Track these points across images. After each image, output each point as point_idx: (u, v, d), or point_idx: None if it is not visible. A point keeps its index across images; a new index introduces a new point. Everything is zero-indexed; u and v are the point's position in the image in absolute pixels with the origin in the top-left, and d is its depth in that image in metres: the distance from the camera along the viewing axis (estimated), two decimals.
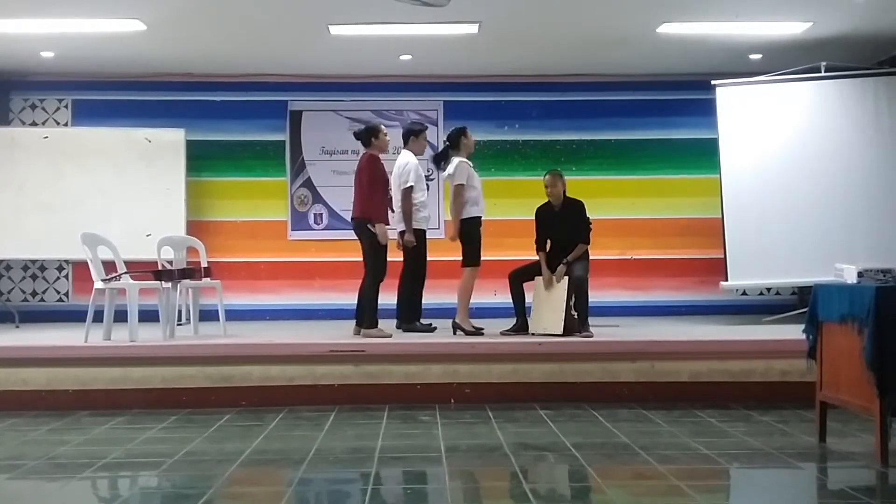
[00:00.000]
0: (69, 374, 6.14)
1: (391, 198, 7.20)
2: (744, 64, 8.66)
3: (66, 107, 9.32)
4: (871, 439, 4.52)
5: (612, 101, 9.45)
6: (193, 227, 8.88)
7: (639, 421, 5.53)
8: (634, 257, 9.37)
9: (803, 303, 7.51)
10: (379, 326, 6.77)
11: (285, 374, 6.20)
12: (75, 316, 7.94)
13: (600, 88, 9.41)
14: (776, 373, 6.13)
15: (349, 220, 7.35)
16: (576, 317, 6.71)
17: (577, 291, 6.70)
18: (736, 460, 4.57)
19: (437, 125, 9.18)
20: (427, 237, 7.33)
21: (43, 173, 8.79)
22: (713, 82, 8.30)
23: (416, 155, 7.30)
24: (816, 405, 4.90)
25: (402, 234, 7.17)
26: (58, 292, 9.26)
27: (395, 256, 7.23)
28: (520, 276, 7.01)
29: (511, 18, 7.44)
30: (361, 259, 6.95)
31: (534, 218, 7.09)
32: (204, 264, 7.37)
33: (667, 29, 7.71)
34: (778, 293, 9.40)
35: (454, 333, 6.95)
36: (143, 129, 8.99)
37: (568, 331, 6.64)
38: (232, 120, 9.31)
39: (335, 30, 7.66)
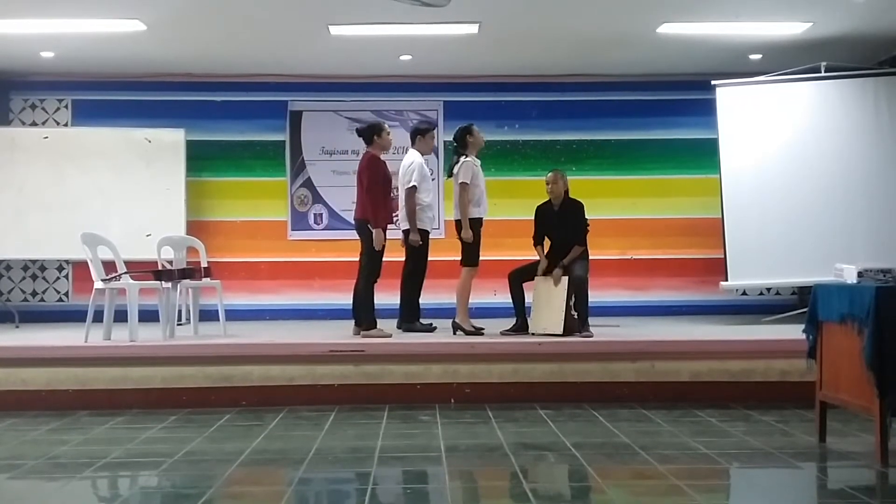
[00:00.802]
0: (69, 374, 6.14)
1: (396, 197, 7.20)
2: (744, 64, 8.66)
3: (66, 107, 9.32)
4: (870, 439, 4.52)
5: (612, 102, 9.45)
6: (193, 227, 8.88)
7: (639, 421, 5.53)
8: (634, 257, 9.37)
9: (803, 303, 7.51)
10: (378, 326, 6.77)
11: (285, 374, 6.20)
12: (75, 316, 7.94)
13: (600, 88, 9.40)
14: (776, 373, 6.14)
15: (350, 220, 7.36)
16: (576, 317, 6.71)
17: (577, 291, 6.70)
18: (736, 460, 4.57)
19: (437, 125, 9.17)
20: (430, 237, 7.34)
21: (43, 173, 8.79)
22: (713, 82, 8.30)
23: (423, 154, 7.30)
24: (816, 405, 4.90)
25: (405, 232, 7.18)
26: (58, 292, 9.26)
27: (395, 256, 7.24)
28: (520, 276, 7.01)
29: (511, 18, 7.44)
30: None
31: (533, 216, 7.09)
32: (204, 264, 7.37)
33: (667, 29, 7.71)
34: (778, 293, 9.40)
35: (454, 333, 6.95)
36: (143, 129, 8.99)
37: (568, 331, 6.64)
38: (232, 120, 9.31)
39: (335, 30, 7.66)
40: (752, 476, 4.40)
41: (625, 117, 9.43)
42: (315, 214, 9.36)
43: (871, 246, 7.73)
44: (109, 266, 6.85)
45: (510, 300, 7.02)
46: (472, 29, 7.64)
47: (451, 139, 7.57)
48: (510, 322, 7.02)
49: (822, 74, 8.12)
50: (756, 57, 8.57)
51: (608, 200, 9.07)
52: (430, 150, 7.47)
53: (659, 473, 4.23)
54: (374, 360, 6.24)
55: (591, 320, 6.77)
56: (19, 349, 6.45)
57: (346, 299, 7.26)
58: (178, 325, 7.43)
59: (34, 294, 9.25)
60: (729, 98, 8.26)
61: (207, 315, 7.62)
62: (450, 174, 7.11)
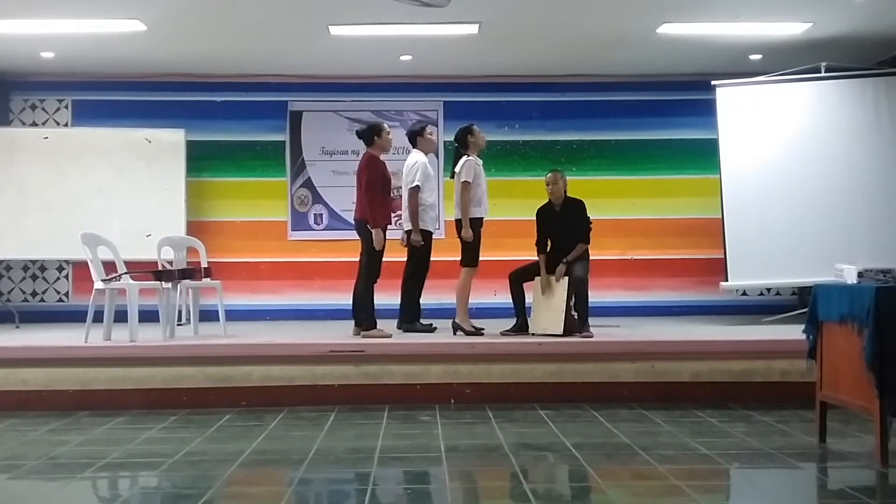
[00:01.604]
0: (69, 374, 6.14)
1: (398, 197, 7.21)
2: (744, 64, 8.66)
3: (66, 107, 9.32)
4: (871, 439, 4.52)
5: (612, 102, 9.45)
6: (193, 228, 8.89)
7: (639, 421, 5.53)
8: (634, 257, 9.37)
9: (803, 303, 7.51)
10: (378, 326, 6.77)
11: (285, 375, 6.20)
12: (75, 316, 7.94)
13: (600, 89, 9.41)
14: (776, 373, 6.14)
15: (350, 220, 7.36)
16: (576, 317, 6.71)
17: (578, 292, 6.70)
18: (736, 460, 4.57)
19: (437, 125, 9.17)
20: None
21: (43, 174, 8.79)
22: (713, 83, 8.30)
23: (426, 153, 7.29)
24: (816, 405, 4.90)
25: (407, 233, 7.18)
26: (58, 292, 9.26)
27: (396, 256, 7.25)
28: (520, 277, 7.01)
29: (511, 18, 7.44)
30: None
31: (534, 218, 7.09)
32: (204, 264, 7.37)
33: (667, 29, 7.71)
34: (778, 293, 9.40)
35: (454, 333, 6.95)
36: (144, 129, 8.99)
37: (568, 331, 6.64)
38: (232, 120, 9.31)
39: (335, 30, 7.66)
40: (752, 476, 4.40)
41: (625, 117, 9.43)
42: (315, 215, 9.36)
43: (871, 246, 7.74)
44: (109, 266, 6.85)
45: (510, 300, 7.02)
46: (472, 29, 7.64)
47: (451, 139, 7.57)
48: (510, 322, 7.02)
49: (822, 75, 8.12)
50: (756, 57, 8.57)
51: (608, 201, 9.07)
52: (432, 148, 7.44)
53: (659, 474, 4.23)
54: (374, 360, 6.25)
55: (591, 320, 6.77)
56: (19, 349, 6.45)
57: (346, 299, 7.27)
58: (179, 325, 7.43)
59: (34, 294, 9.25)
60: (729, 98, 8.26)
61: (207, 315, 7.63)
62: (452, 174, 7.10)
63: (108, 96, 9.24)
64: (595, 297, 7.19)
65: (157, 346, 6.45)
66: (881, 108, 8.04)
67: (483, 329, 7.01)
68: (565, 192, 7.01)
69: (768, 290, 9.35)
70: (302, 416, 5.78)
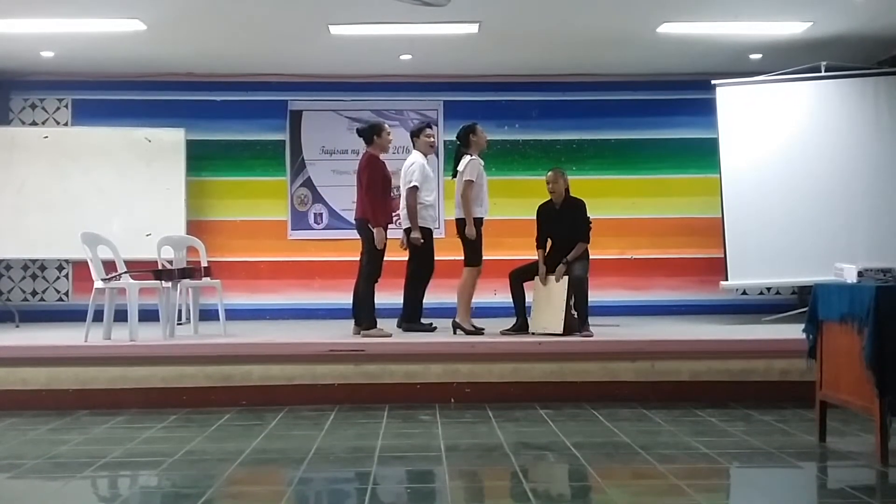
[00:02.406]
0: (69, 373, 6.14)
1: (398, 196, 7.21)
2: (744, 64, 8.66)
3: (66, 106, 9.32)
4: (871, 439, 4.52)
5: (612, 101, 9.45)
6: (193, 227, 8.89)
7: (639, 420, 5.53)
8: (634, 257, 9.37)
9: (803, 302, 7.51)
10: (378, 326, 6.77)
11: (285, 374, 6.20)
12: (75, 315, 7.94)
13: (600, 88, 9.40)
14: (776, 372, 6.14)
15: (350, 219, 7.36)
16: (576, 316, 6.71)
17: (577, 291, 6.70)
18: (736, 460, 4.57)
19: (437, 125, 9.17)
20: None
21: (43, 173, 8.79)
22: (713, 82, 8.30)
23: (424, 154, 7.29)
24: (816, 405, 4.90)
25: (407, 231, 7.18)
26: (58, 292, 9.26)
27: (397, 256, 7.24)
28: (520, 276, 7.01)
29: (511, 18, 7.44)
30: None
31: (535, 216, 7.10)
32: (204, 264, 7.37)
33: (667, 29, 7.71)
34: (778, 293, 9.40)
35: (454, 333, 6.95)
36: (144, 128, 8.98)
37: (568, 330, 6.64)
38: (232, 120, 9.31)
39: (335, 29, 7.66)
40: (752, 476, 4.40)
41: (625, 117, 9.43)
42: (315, 214, 9.36)
43: (871, 245, 7.74)
44: (109, 266, 6.86)
45: (510, 300, 7.02)
46: (472, 29, 7.64)
47: (451, 139, 7.56)
48: (510, 322, 7.02)
49: (822, 74, 8.12)
50: (756, 56, 8.57)
51: (608, 200, 9.07)
52: (430, 149, 7.42)
53: (659, 473, 4.23)
54: (374, 359, 6.25)
55: (591, 320, 6.77)
56: (19, 349, 6.45)
57: (346, 299, 7.27)
58: (178, 324, 7.42)
59: (34, 293, 9.25)
60: (729, 98, 8.26)
61: (207, 315, 7.63)
62: (453, 174, 7.10)
63: (108, 96, 9.24)
64: (595, 296, 7.19)
65: (157, 346, 6.45)
66: (881, 107, 8.04)
67: (483, 328, 7.01)
68: (566, 190, 7.02)
69: (768, 289, 9.35)
70: (302, 415, 5.78)
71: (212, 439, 5.11)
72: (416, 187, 7.08)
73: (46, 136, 8.95)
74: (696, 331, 7.48)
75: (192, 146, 9.08)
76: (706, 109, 8.49)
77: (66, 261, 9.16)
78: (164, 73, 9.08)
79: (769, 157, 8.08)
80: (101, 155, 8.88)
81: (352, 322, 6.95)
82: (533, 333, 6.81)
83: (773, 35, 7.89)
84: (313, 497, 4.13)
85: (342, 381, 6.19)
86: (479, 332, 6.94)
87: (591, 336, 6.58)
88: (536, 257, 6.99)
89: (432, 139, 7.44)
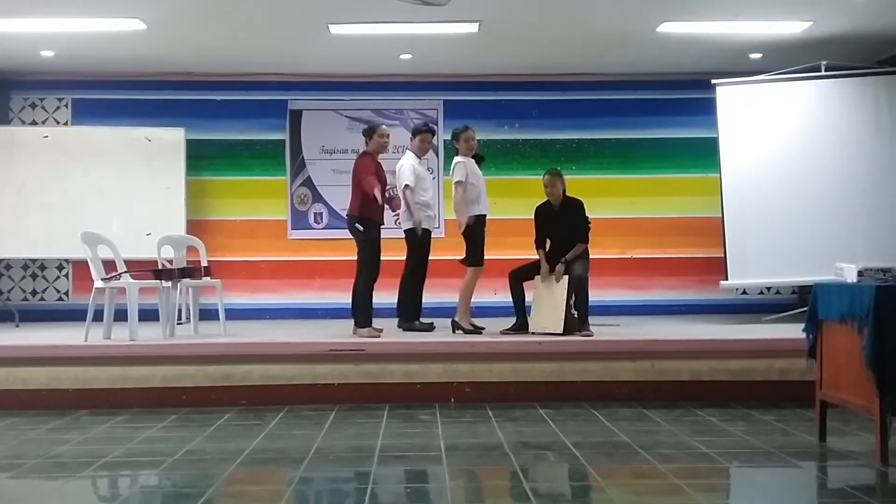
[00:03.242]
0: (69, 373, 6.14)
1: (396, 197, 7.21)
2: (744, 63, 8.66)
3: (66, 106, 9.31)
4: (871, 438, 4.52)
5: (612, 101, 9.44)
6: (193, 227, 8.88)
7: (639, 420, 5.53)
8: (634, 256, 9.37)
9: (803, 302, 7.52)
10: (373, 325, 6.76)
11: (285, 374, 6.20)
12: (75, 315, 7.94)
13: (600, 88, 9.40)
14: (776, 372, 6.14)
15: None
16: (576, 316, 6.71)
17: (578, 290, 6.70)
18: (736, 459, 4.57)
19: (437, 125, 9.17)
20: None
21: (43, 172, 8.79)
22: (713, 81, 8.30)
23: (417, 155, 7.29)
24: (816, 404, 4.90)
25: (407, 232, 7.19)
26: (58, 291, 9.25)
27: (395, 255, 7.24)
28: (520, 276, 7.01)
29: (511, 18, 7.44)
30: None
31: (533, 217, 7.09)
32: (204, 263, 7.37)
33: (667, 28, 7.71)
34: (778, 292, 9.40)
35: (453, 332, 6.95)
36: (143, 128, 8.98)
37: (568, 330, 6.64)
38: (232, 119, 9.31)
39: (335, 29, 7.66)
40: (752, 475, 4.40)
41: (625, 116, 9.43)
42: (315, 213, 9.36)
43: (871, 245, 7.74)
44: (109, 265, 6.85)
45: (510, 299, 7.02)
46: (472, 28, 7.64)
47: (449, 139, 7.57)
48: (510, 321, 7.02)
49: (822, 73, 8.12)
50: (756, 56, 8.57)
51: (608, 199, 9.07)
52: (423, 152, 7.38)
53: (659, 473, 4.23)
54: (374, 359, 6.25)
55: (591, 319, 6.77)
56: (19, 348, 6.45)
57: (345, 298, 7.26)
58: (178, 324, 7.43)
59: (34, 293, 9.25)
60: (729, 97, 8.26)
61: (207, 314, 7.62)
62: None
63: (108, 95, 9.24)
64: (595, 295, 7.19)
65: (157, 345, 6.45)
66: (881, 106, 8.04)
67: (483, 328, 7.01)
68: (564, 192, 7.01)
69: (768, 288, 9.35)
70: (302, 414, 5.78)
71: (212, 439, 5.11)
72: (408, 186, 7.10)
73: (46, 136, 8.94)
74: (696, 330, 7.48)
75: (191, 146, 9.08)
76: (706, 109, 8.49)
77: (66, 260, 9.16)
78: (164, 73, 9.08)
79: (769, 157, 8.08)
80: (101, 154, 8.88)
81: (352, 322, 6.95)
82: (533, 333, 6.81)
83: (773, 34, 7.88)
84: (313, 497, 4.13)
85: (342, 381, 6.19)
86: (478, 331, 6.94)
87: (591, 336, 6.58)
88: (536, 257, 6.98)
89: (426, 144, 7.37)
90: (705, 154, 8.86)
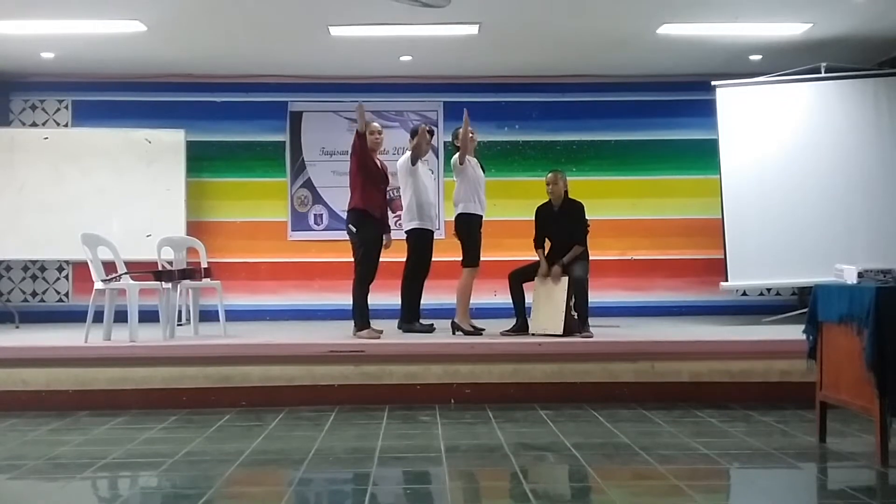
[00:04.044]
0: (69, 374, 6.14)
1: (398, 197, 7.22)
2: (744, 65, 8.66)
3: (66, 107, 9.32)
4: (871, 439, 4.52)
5: (612, 102, 9.45)
6: (193, 228, 8.89)
7: (639, 421, 5.53)
8: (635, 258, 9.37)
9: (803, 303, 7.51)
10: (371, 327, 6.75)
11: (285, 375, 6.20)
12: (75, 316, 7.94)
13: (600, 89, 9.41)
14: (776, 373, 6.13)
15: None
16: (576, 317, 6.71)
17: (578, 292, 6.70)
18: (736, 460, 4.57)
19: (437, 126, 9.18)
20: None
21: (43, 174, 8.80)
22: (713, 83, 8.30)
23: (415, 155, 7.28)
24: (816, 405, 4.90)
25: (408, 232, 7.20)
26: (58, 293, 9.26)
27: (396, 256, 7.25)
28: (520, 277, 7.01)
29: (511, 19, 7.44)
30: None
31: (534, 217, 7.10)
32: (204, 265, 7.37)
33: (667, 30, 7.71)
34: (778, 293, 9.40)
35: (453, 333, 6.96)
36: (144, 129, 9.00)
37: (568, 331, 6.64)
38: (232, 120, 9.31)
39: (335, 31, 7.66)
40: (752, 476, 4.40)
41: (625, 118, 9.43)
42: (315, 215, 9.37)
43: (871, 246, 7.74)
44: (109, 266, 6.85)
45: (510, 300, 7.01)
46: (472, 29, 7.64)
47: (450, 139, 7.59)
48: (510, 322, 7.02)
49: (823, 75, 8.13)
50: (756, 58, 8.58)
51: (608, 201, 9.08)
52: (418, 150, 7.28)
53: (659, 474, 4.23)
54: (373, 360, 6.24)
55: (591, 320, 6.77)
56: (19, 349, 6.45)
57: (345, 300, 7.25)
58: (178, 325, 7.43)
59: (34, 294, 9.25)
60: (729, 99, 8.26)
61: (207, 315, 7.63)
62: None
63: (108, 96, 9.25)
64: (595, 297, 7.19)
65: (156, 347, 6.45)
66: (881, 108, 8.04)
67: (483, 329, 7.01)
68: (565, 192, 7.02)
69: (768, 290, 9.35)
70: (302, 416, 5.78)
71: (212, 440, 5.11)
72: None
73: (46, 138, 8.95)
74: (696, 332, 7.48)
75: (192, 147, 9.08)
76: (706, 110, 8.49)
77: (67, 262, 9.16)
78: (164, 74, 9.08)
79: (769, 159, 8.08)
80: (102, 156, 8.89)
81: (351, 323, 6.95)
82: (533, 334, 6.81)
83: (773, 36, 7.89)
84: (313, 498, 4.13)
85: (342, 382, 6.18)
86: (478, 332, 6.94)
87: (591, 337, 6.59)
88: (536, 258, 6.98)
89: (420, 144, 7.27)
90: (705, 155, 8.87)
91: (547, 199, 7.06)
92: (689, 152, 9.36)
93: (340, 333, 6.92)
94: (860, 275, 4.75)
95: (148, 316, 6.84)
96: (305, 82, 9.28)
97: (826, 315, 4.78)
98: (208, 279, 7.26)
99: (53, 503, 4.03)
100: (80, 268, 8.44)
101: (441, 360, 6.25)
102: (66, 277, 9.26)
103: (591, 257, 7.00)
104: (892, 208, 7.87)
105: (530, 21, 7.48)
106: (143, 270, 7.02)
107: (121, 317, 6.70)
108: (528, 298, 6.99)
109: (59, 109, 9.31)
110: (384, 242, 6.95)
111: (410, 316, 7.30)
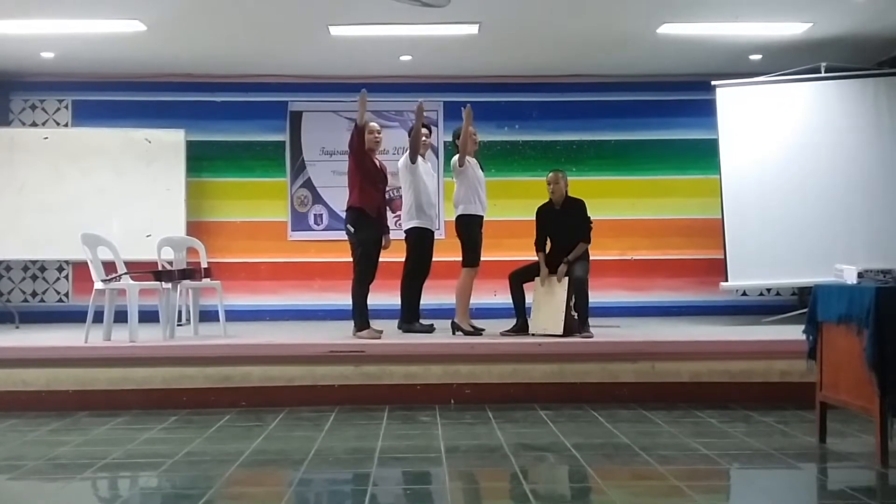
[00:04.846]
0: (69, 374, 6.14)
1: (398, 197, 7.24)
2: (744, 64, 8.66)
3: (66, 107, 9.32)
4: (871, 440, 4.52)
5: (612, 102, 9.45)
6: (193, 228, 8.89)
7: (639, 421, 5.53)
8: (635, 258, 9.37)
9: (803, 303, 7.51)
10: (371, 327, 6.75)
11: (285, 375, 6.20)
12: (75, 316, 7.94)
13: (600, 89, 9.41)
14: (776, 373, 6.14)
15: None
16: (576, 317, 6.71)
17: (578, 292, 6.70)
18: (736, 461, 4.57)
19: (437, 126, 9.18)
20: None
21: (43, 174, 8.79)
22: (713, 83, 8.30)
23: (413, 155, 7.28)
24: (816, 406, 4.90)
25: (408, 231, 7.19)
26: (58, 293, 9.26)
27: (395, 256, 7.25)
28: (520, 277, 7.01)
29: (511, 19, 7.44)
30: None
31: (534, 218, 7.10)
32: (204, 265, 7.37)
33: (667, 30, 7.71)
34: (778, 294, 9.40)
35: (453, 333, 6.95)
36: (144, 129, 8.99)
37: (568, 331, 6.64)
38: (232, 120, 9.31)
39: (335, 30, 7.66)
40: (752, 477, 4.41)
41: (625, 118, 9.43)
42: (315, 215, 9.37)
43: (871, 246, 7.74)
44: (109, 266, 6.85)
45: (510, 301, 7.01)
46: (472, 29, 7.64)
47: (450, 139, 7.59)
48: (510, 322, 7.02)
49: (823, 75, 8.12)
50: (756, 57, 8.58)
51: (608, 201, 9.07)
52: (415, 149, 7.28)
53: (659, 474, 4.23)
54: (373, 360, 6.24)
55: (591, 321, 6.77)
56: (19, 349, 6.45)
57: (345, 300, 7.24)
58: (178, 325, 7.43)
59: (34, 294, 9.25)
60: (729, 98, 8.26)
61: (207, 316, 7.63)
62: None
63: (108, 96, 9.24)
64: (595, 297, 7.19)
65: (157, 347, 6.45)
66: (881, 108, 8.04)
67: (483, 329, 7.01)
68: (566, 191, 7.02)
69: (768, 290, 9.35)
70: (302, 416, 5.78)
71: (212, 440, 5.11)
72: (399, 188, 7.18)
73: (46, 137, 8.95)
74: (696, 332, 7.48)
75: (191, 147, 9.08)
76: (706, 110, 8.49)
77: (66, 262, 9.16)
78: (164, 74, 9.08)
79: (769, 158, 8.08)
80: (101, 156, 8.88)
81: (351, 323, 6.94)
82: (533, 334, 6.81)
83: (773, 36, 7.89)
84: (313, 498, 4.13)
85: (342, 383, 6.19)
86: (478, 332, 6.94)
87: (592, 337, 6.59)
88: (536, 258, 6.98)
89: (416, 142, 7.27)
90: (705, 155, 8.87)
91: (547, 200, 7.06)
92: (689, 152, 9.36)
93: (340, 333, 6.92)
94: (860, 275, 4.75)
95: (148, 316, 6.84)
96: (305, 82, 9.28)
97: (826, 315, 4.78)
98: (208, 279, 7.26)
99: (53, 503, 4.04)
100: (80, 268, 8.44)
101: (441, 360, 6.25)
102: (66, 277, 9.26)
103: (591, 257, 7.00)
104: (892, 208, 7.87)
105: (530, 21, 7.48)
106: (143, 270, 7.02)
107: (121, 317, 6.70)
108: (529, 299, 6.99)
109: (59, 109, 9.31)
110: (383, 243, 6.95)
111: (410, 316, 7.30)
